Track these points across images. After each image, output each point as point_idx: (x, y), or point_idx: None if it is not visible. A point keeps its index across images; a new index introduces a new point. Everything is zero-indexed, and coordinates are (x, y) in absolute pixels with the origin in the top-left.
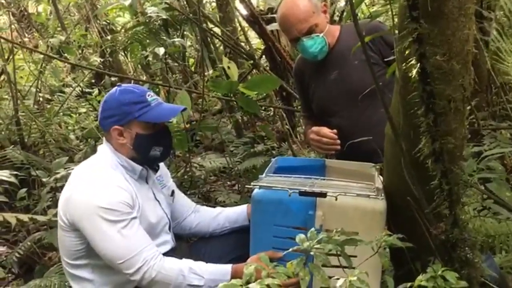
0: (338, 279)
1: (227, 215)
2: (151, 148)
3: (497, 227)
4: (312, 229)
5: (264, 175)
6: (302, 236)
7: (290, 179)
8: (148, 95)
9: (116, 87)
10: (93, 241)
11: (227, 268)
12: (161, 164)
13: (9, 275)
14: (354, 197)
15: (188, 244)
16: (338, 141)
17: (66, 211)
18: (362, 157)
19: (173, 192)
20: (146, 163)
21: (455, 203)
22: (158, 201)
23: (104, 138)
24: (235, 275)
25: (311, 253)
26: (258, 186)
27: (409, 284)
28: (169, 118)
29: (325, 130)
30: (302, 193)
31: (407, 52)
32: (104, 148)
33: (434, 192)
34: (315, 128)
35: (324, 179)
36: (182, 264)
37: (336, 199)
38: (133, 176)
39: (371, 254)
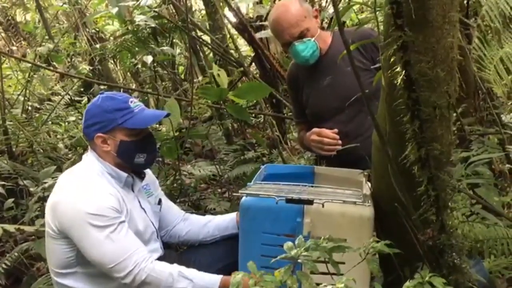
0: (326, 286)
1: (217, 223)
2: (135, 155)
3: (485, 232)
4: (300, 236)
5: (252, 182)
6: (289, 243)
7: (278, 186)
8: (131, 102)
9: (98, 95)
10: (82, 248)
11: (217, 278)
12: (149, 172)
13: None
14: (341, 203)
15: (178, 252)
16: (340, 141)
17: (54, 218)
18: (352, 163)
19: (160, 200)
20: (131, 170)
21: (442, 209)
22: (143, 209)
23: (89, 147)
24: (224, 286)
25: (299, 260)
26: (245, 194)
27: None
28: (151, 123)
29: (326, 131)
30: (289, 201)
31: (392, 60)
32: (89, 157)
33: (421, 198)
34: (316, 130)
35: (312, 186)
36: (172, 268)
37: (323, 206)
38: (119, 184)
39: (359, 261)
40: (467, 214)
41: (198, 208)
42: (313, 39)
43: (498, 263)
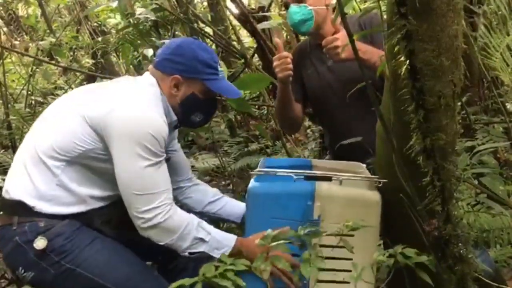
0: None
1: (225, 204)
2: (195, 113)
3: (491, 222)
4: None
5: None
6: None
7: (285, 171)
8: (219, 65)
9: (192, 39)
10: (118, 162)
11: (233, 236)
12: None
13: (3, 280)
14: (352, 187)
15: None
16: (289, 60)
17: (102, 119)
18: (354, 154)
19: (169, 159)
20: (180, 121)
21: (448, 199)
22: None
23: (150, 72)
24: (239, 245)
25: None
26: (260, 173)
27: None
28: (235, 96)
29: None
30: (308, 177)
31: (396, 49)
32: (152, 81)
33: (427, 189)
34: (276, 56)
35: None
36: (191, 217)
37: (341, 183)
38: (166, 120)
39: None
40: (473, 204)
41: None
42: (310, 7)
43: (504, 253)
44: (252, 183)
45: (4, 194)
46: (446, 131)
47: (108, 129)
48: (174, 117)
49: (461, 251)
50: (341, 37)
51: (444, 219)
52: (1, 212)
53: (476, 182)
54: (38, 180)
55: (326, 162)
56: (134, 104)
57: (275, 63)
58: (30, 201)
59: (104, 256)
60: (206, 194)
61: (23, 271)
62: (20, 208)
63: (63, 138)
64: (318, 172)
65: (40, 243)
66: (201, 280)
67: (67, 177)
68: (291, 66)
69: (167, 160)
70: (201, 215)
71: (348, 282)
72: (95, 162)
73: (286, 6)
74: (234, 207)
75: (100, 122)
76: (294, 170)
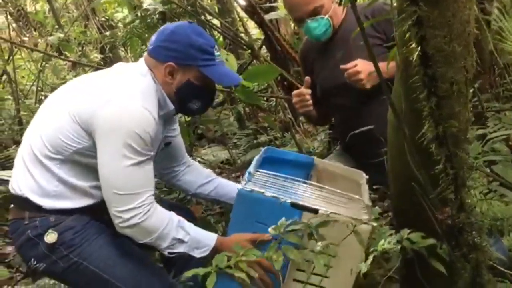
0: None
1: (217, 185)
2: (192, 100)
3: (504, 210)
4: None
5: (252, 167)
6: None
7: (279, 181)
8: (215, 49)
9: (187, 23)
10: (103, 158)
11: (213, 235)
12: None
13: (17, 274)
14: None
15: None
16: (308, 97)
17: (89, 115)
18: (368, 142)
19: (169, 143)
20: (177, 109)
21: (461, 187)
22: (158, 149)
23: (144, 60)
24: (219, 245)
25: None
26: (248, 189)
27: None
28: (233, 83)
29: (302, 90)
30: (294, 205)
31: (407, 36)
32: (144, 72)
33: (439, 177)
34: (294, 92)
35: (309, 184)
36: (171, 216)
37: (328, 216)
38: (159, 112)
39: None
40: (485, 192)
41: None
42: (326, 16)
43: None
44: (242, 184)
45: (11, 189)
46: (458, 118)
47: (95, 126)
48: (171, 106)
49: (475, 239)
50: (361, 67)
51: (457, 207)
52: (12, 206)
53: (488, 170)
54: (40, 179)
55: (328, 164)
56: (122, 101)
57: (294, 100)
58: (37, 200)
59: (110, 250)
60: (198, 176)
61: (35, 262)
62: (28, 205)
63: (52, 134)
64: (305, 199)
65: (50, 236)
66: (214, 270)
67: (65, 173)
68: (310, 102)
69: (167, 144)
70: (194, 196)
71: None
72: (87, 159)
73: (299, 21)
74: (227, 188)
75: (87, 119)
76: (294, 165)
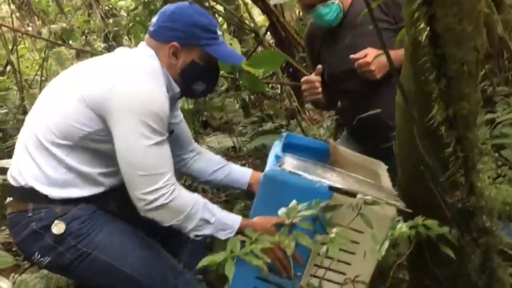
0: None
1: (228, 172)
2: (197, 81)
3: None
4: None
5: (274, 151)
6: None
7: (306, 164)
8: (218, 29)
9: (187, 3)
10: (122, 140)
11: (238, 217)
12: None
13: (24, 262)
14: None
15: None
16: (317, 85)
17: (101, 98)
18: (376, 127)
19: (172, 131)
20: (182, 92)
21: (471, 170)
22: None
23: (147, 43)
24: (244, 227)
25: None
26: (285, 170)
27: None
28: (237, 62)
29: (308, 77)
30: (332, 189)
31: (416, 15)
32: (149, 52)
33: (449, 160)
34: (304, 79)
35: (337, 170)
36: (197, 197)
37: (365, 203)
38: (167, 94)
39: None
40: (494, 176)
41: None
42: (337, 1)
43: None
44: (271, 166)
45: (10, 180)
46: (469, 100)
47: (109, 108)
48: (177, 89)
49: (486, 223)
50: (371, 56)
51: (467, 191)
52: (11, 199)
53: (496, 154)
54: (46, 167)
55: (346, 152)
56: (135, 80)
57: (303, 87)
58: (43, 189)
59: (119, 239)
60: (210, 163)
61: (39, 256)
62: (33, 196)
63: (61, 120)
64: (336, 182)
65: (58, 227)
66: (230, 256)
67: (73, 160)
68: (320, 90)
69: (170, 133)
70: (207, 184)
71: (339, 283)
72: (97, 144)
73: (309, 7)
74: (239, 174)
75: (100, 101)
76: (313, 152)
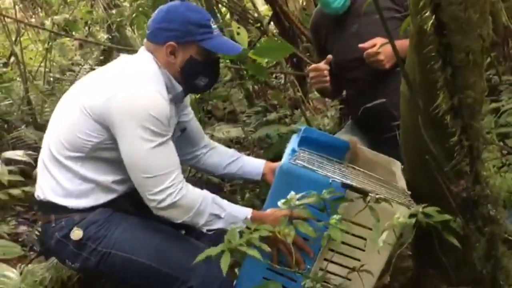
0: None
1: (242, 164)
2: (198, 76)
3: None
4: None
5: (291, 145)
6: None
7: (322, 160)
8: (212, 22)
9: (178, 2)
10: (123, 147)
11: (247, 210)
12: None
13: (31, 253)
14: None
15: None
16: (326, 73)
17: (102, 107)
18: (380, 116)
19: (184, 129)
20: (185, 89)
21: (476, 159)
22: (174, 130)
23: (144, 47)
24: (254, 220)
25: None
26: (298, 164)
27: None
28: (234, 53)
29: (316, 65)
30: (345, 186)
31: (421, 4)
32: (146, 57)
33: (454, 150)
34: (312, 67)
35: (351, 167)
36: (205, 193)
37: (376, 201)
38: (169, 95)
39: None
40: (499, 165)
41: None
42: None
43: None
44: (286, 160)
45: (36, 196)
46: (474, 89)
47: (111, 116)
48: (179, 88)
49: (491, 212)
50: (379, 44)
51: (472, 179)
52: (39, 213)
53: (501, 143)
54: (62, 179)
55: (363, 149)
56: (132, 86)
57: (311, 74)
58: (61, 201)
59: (132, 233)
60: (223, 157)
61: (70, 262)
62: (53, 208)
63: (69, 133)
64: (351, 180)
65: (76, 234)
66: (227, 248)
67: (87, 170)
68: (328, 78)
69: (183, 130)
70: (222, 177)
71: (349, 279)
72: (107, 153)
73: None
74: (253, 165)
75: (102, 111)
76: (329, 148)
